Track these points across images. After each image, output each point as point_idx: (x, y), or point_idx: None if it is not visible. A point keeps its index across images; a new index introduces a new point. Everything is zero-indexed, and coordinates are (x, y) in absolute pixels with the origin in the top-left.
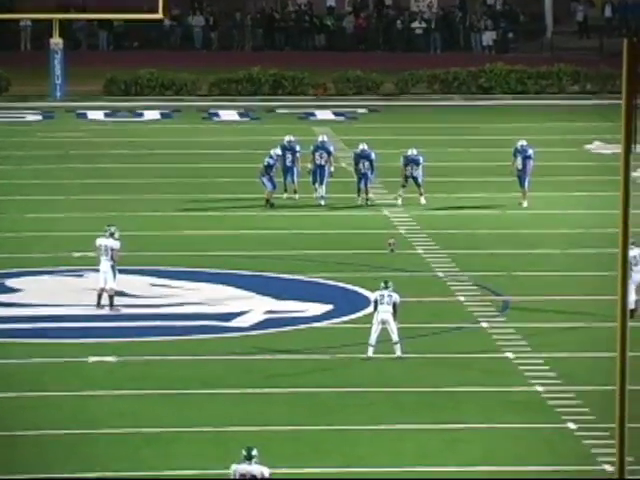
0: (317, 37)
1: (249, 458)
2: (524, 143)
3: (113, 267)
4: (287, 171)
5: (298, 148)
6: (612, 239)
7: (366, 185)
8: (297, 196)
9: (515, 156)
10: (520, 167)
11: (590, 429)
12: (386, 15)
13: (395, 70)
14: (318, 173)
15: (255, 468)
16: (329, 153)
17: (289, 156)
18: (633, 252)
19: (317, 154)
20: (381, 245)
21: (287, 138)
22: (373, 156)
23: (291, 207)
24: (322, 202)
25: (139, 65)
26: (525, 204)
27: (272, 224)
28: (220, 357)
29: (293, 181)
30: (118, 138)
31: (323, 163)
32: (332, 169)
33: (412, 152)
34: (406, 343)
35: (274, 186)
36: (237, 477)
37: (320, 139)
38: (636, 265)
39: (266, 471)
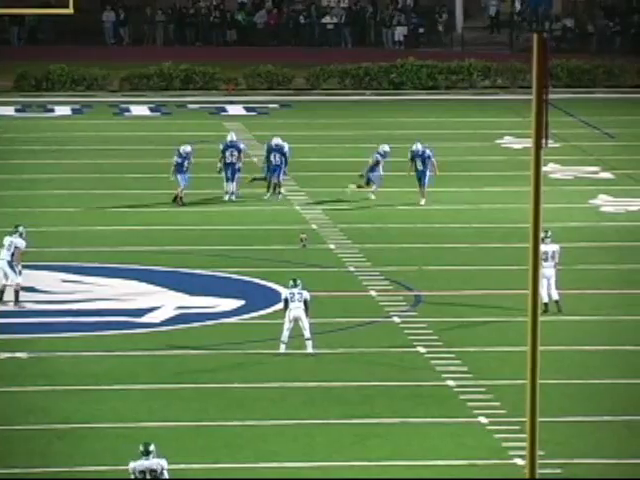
0: (228, 32)
1: (147, 453)
2: (419, 146)
3: (10, 263)
4: (228, 170)
5: (242, 146)
6: (523, 234)
7: (278, 177)
8: (232, 197)
9: (413, 160)
10: (421, 168)
11: (501, 423)
12: (295, 10)
13: (306, 65)
14: (229, 171)
15: (153, 462)
16: (239, 150)
17: (235, 153)
18: (545, 247)
19: (228, 152)
20: (293, 240)
21: (229, 137)
22: (286, 149)
23: (202, 203)
24: (233, 197)
25: (50, 60)
26: (423, 202)
27: (184, 219)
28: (131, 353)
29: (232, 179)
30: (29, 134)
31: (234, 161)
32: (241, 164)
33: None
34: (317, 338)
35: (186, 183)
36: (137, 475)
37: (230, 138)
38: (546, 260)
39: (164, 463)
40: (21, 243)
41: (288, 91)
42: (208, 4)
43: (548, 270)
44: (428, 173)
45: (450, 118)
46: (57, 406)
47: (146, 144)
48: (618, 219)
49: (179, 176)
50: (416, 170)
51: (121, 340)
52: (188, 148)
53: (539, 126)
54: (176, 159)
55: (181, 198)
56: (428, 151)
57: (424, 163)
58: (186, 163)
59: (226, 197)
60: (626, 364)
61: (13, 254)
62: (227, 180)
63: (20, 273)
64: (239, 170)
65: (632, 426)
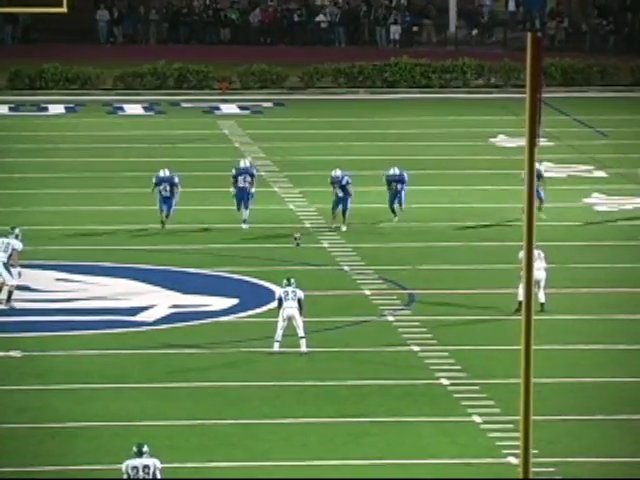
0: (222, 31)
1: (140, 454)
2: (338, 173)
3: (6, 265)
4: (241, 196)
5: (255, 172)
6: (517, 232)
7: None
8: (246, 226)
9: (333, 185)
10: (341, 194)
11: (495, 422)
12: (289, 9)
13: (300, 64)
14: (242, 197)
15: (146, 460)
16: (252, 176)
17: (248, 178)
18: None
19: (240, 178)
20: (287, 239)
21: (242, 163)
22: (346, 180)
23: (196, 201)
24: (244, 226)
25: (44, 59)
26: (344, 228)
27: (178, 218)
28: (125, 352)
29: (247, 207)
30: (22, 132)
31: (246, 185)
32: (254, 190)
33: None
34: (312, 337)
35: (166, 210)
36: (129, 471)
37: (243, 164)
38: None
39: (158, 463)
40: (18, 245)
41: (282, 90)
42: (201, 3)
43: (538, 272)
44: (349, 201)
45: (444, 117)
46: (50, 405)
47: (140, 143)
48: (612, 218)
49: (157, 200)
50: (336, 197)
51: (114, 339)
52: (162, 173)
53: (533, 125)
54: (153, 180)
55: (162, 223)
56: (347, 178)
57: (344, 190)
58: (162, 187)
59: (244, 226)
60: (619, 363)
61: (10, 256)
62: (240, 209)
63: (19, 275)
64: (252, 196)
65: (625, 425)
